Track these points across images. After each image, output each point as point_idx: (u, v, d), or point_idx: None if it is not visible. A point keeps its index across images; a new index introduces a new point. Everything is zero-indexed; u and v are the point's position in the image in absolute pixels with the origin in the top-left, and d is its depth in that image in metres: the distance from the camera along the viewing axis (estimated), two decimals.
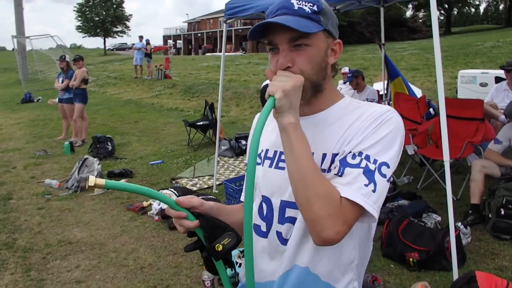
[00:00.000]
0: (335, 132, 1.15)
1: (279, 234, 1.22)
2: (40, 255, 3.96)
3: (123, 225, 4.57)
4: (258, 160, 1.29)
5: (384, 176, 1.06)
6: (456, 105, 5.08)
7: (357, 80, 6.73)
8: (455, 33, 37.30)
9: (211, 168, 6.26)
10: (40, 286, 3.44)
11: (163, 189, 5.13)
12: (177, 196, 4.38)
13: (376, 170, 1.05)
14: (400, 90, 6.29)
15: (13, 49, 26.37)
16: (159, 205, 4.72)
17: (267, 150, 1.30)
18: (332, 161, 1.13)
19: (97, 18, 54.95)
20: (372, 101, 6.52)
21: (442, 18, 46.75)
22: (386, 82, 6.90)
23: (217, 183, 5.57)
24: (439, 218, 4.06)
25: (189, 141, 7.87)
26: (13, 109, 14.18)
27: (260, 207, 1.29)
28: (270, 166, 1.26)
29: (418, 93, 7.45)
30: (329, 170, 1.13)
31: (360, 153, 1.07)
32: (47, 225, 4.64)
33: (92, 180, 1.04)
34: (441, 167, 5.26)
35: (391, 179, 1.10)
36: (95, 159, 6.24)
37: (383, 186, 1.06)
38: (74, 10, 55.65)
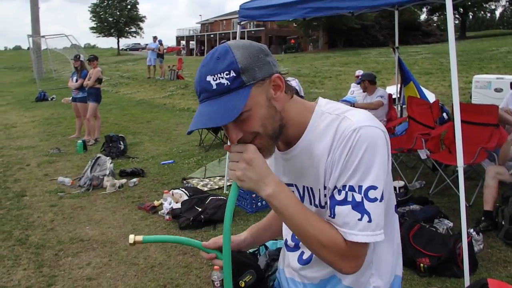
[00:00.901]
0: (319, 163, 1.14)
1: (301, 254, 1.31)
2: (53, 251, 4.01)
3: (134, 223, 4.61)
4: None
5: (374, 200, 1.06)
6: (470, 110, 5.03)
7: (364, 84, 6.73)
8: (470, 38, 36.92)
9: (222, 168, 6.28)
10: (52, 283, 3.48)
11: (174, 189, 5.16)
12: (188, 196, 4.44)
13: (364, 199, 1.05)
14: (414, 95, 6.26)
15: (28, 48, 26.70)
16: (170, 204, 4.75)
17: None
18: (324, 195, 1.16)
19: (111, 19, 55.42)
20: (381, 97, 6.50)
21: (457, 22, 46.29)
22: (399, 85, 6.87)
23: (228, 184, 5.58)
24: (451, 224, 4.02)
25: (200, 142, 7.90)
26: (27, 107, 14.37)
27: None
28: None
29: (431, 97, 7.40)
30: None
31: (344, 186, 1.07)
32: (59, 222, 4.70)
33: (132, 238, 1.24)
34: (454, 172, 5.22)
35: (383, 196, 1.08)
36: (108, 158, 6.29)
37: (377, 210, 1.06)
38: (88, 10, 56.25)
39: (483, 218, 4.08)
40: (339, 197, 1.08)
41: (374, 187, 1.05)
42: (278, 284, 1.45)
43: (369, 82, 6.66)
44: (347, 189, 1.06)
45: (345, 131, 1.08)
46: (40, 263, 3.80)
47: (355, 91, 8.93)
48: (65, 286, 3.43)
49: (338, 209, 1.07)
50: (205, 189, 5.56)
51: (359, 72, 9.75)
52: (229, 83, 1.04)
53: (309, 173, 1.17)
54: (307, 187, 1.21)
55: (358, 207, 1.05)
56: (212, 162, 6.82)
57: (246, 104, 1.05)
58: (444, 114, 7.34)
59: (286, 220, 1.11)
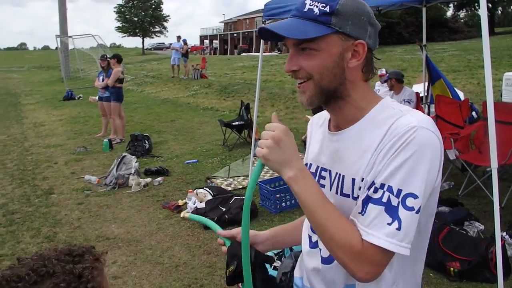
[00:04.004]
0: (364, 153, 1.07)
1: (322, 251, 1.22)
2: None
3: (158, 222, 4.63)
4: None
5: (410, 209, 0.97)
6: (502, 109, 4.87)
7: (391, 82, 6.58)
8: (499, 34, 35.87)
9: (245, 168, 6.26)
10: None
11: (198, 188, 5.17)
12: (212, 196, 4.46)
13: (400, 205, 0.98)
14: (442, 93, 6.10)
15: (56, 48, 27.29)
16: (194, 204, 4.76)
17: (310, 165, 1.27)
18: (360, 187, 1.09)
19: (136, 19, 56.17)
20: (409, 102, 6.35)
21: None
22: (426, 84, 6.71)
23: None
24: (482, 227, 3.90)
25: (224, 141, 7.90)
26: (55, 106, 14.67)
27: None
28: None
29: (461, 95, 7.20)
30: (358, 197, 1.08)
31: (382, 185, 1.00)
32: (86, 220, 4.77)
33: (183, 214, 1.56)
34: (484, 173, 5.07)
35: (420, 210, 0.99)
36: (133, 156, 6.36)
37: (410, 220, 0.98)
38: (114, 11, 57.13)
39: None
40: (374, 195, 1.00)
41: (414, 196, 0.98)
42: None
43: (396, 81, 6.53)
44: (385, 189, 0.99)
45: (402, 126, 1.01)
46: None
47: (380, 90, 8.76)
48: None
49: (370, 207, 1.00)
50: (229, 188, 5.56)
51: (382, 71, 9.54)
52: (318, 14, 1.05)
53: (350, 160, 1.11)
54: (340, 174, 1.14)
55: (391, 210, 0.98)
56: (236, 161, 6.82)
57: (318, 43, 1.05)
58: (474, 113, 7.15)
59: (304, 207, 1.06)
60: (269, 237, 1.41)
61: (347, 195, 1.11)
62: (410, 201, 0.98)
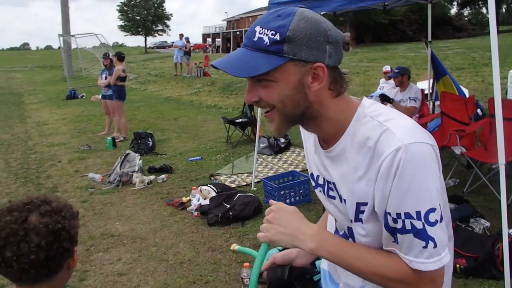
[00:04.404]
0: (354, 177, 1.05)
1: None
2: (84, 247, 4.06)
3: (163, 220, 4.63)
4: (313, 183, 1.29)
5: (435, 223, 0.97)
6: (508, 107, 4.83)
7: (402, 78, 6.47)
8: (503, 32, 35.69)
9: (249, 165, 6.25)
10: (83, 278, 3.52)
11: (202, 185, 5.16)
12: (216, 193, 4.44)
13: (425, 225, 0.96)
14: (448, 89, 6.06)
15: (59, 48, 27.32)
16: (198, 201, 4.75)
17: (317, 176, 1.25)
18: (362, 211, 1.07)
19: (138, 17, 56.18)
20: (415, 100, 6.28)
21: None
22: (431, 81, 6.68)
23: (256, 180, 5.55)
24: (487, 224, 3.87)
25: (227, 138, 7.89)
26: (58, 105, 14.69)
27: (336, 231, 1.30)
28: (324, 193, 1.24)
29: (466, 93, 7.17)
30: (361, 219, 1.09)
31: (398, 215, 0.98)
32: (90, 218, 4.76)
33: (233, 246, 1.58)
34: (489, 170, 5.04)
35: (443, 215, 0.99)
36: (137, 154, 6.35)
37: (440, 232, 0.98)
38: (116, 10, 57.18)
39: None
40: (396, 225, 0.99)
41: (433, 210, 0.97)
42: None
43: (408, 77, 6.38)
44: (403, 217, 0.97)
45: (386, 150, 0.97)
46: None
47: (384, 87, 8.73)
48: (96, 281, 3.47)
49: (400, 237, 0.99)
50: (233, 185, 5.55)
51: (387, 68, 9.49)
52: (268, 44, 0.98)
53: (347, 184, 1.09)
54: (342, 197, 1.14)
55: (420, 234, 0.97)
56: (239, 158, 6.81)
57: (273, 74, 0.99)
58: (479, 110, 7.11)
59: (339, 264, 1.08)
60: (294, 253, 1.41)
61: (359, 219, 1.11)
62: (432, 216, 0.97)
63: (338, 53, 1.05)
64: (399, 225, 0.98)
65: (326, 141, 1.14)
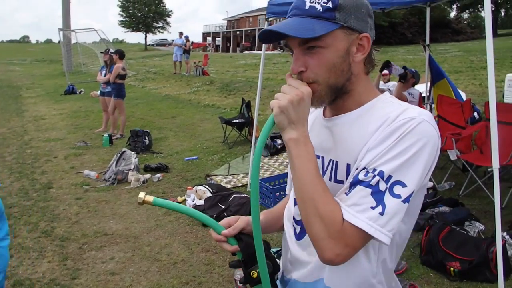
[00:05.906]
0: (360, 139, 1.06)
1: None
2: (77, 244, 4.04)
3: (157, 219, 4.61)
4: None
5: (397, 196, 0.96)
6: (504, 110, 4.84)
7: (410, 80, 6.22)
8: (501, 35, 35.78)
9: (245, 166, 6.23)
10: (75, 276, 3.50)
11: (197, 185, 5.15)
12: (211, 193, 4.35)
13: (387, 191, 0.96)
14: (445, 93, 6.05)
15: (59, 42, 27.21)
16: (193, 201, 4.73)
17: (322, 158, 1.22)
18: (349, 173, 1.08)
19: (139, 14, 56.12)
20: (412, 96, 6.24)
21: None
22: (429, 84, 6.67)
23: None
24: (482, 227, 3.88)
25: (224, 139, 7.87)
26: (56, 100, 14.64)
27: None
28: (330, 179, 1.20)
29: (463, 96, 7.17)
30: None
31: (374, 170, 0.98)
32: (84, 215, 4.74)
33: (142, 195, 1.16)
34: (485, 173, 5.05)
35: (409, 201, 0.98)
36: (133, 152, 6.34)
37: (395, 207, 0.96)
38: (117, 5, 57.09)
39: None
40: (364, 178, 0.98)
41: (403, 184, 0.96)
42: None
43: (415, 82, 6.16)
44: (376, 173, 0.97)
45: (402, 116, 1.01)
46: (64, 255, 3.83)
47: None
48: (88, 280, 3.45)
49: (357, 188, 0.99)
50: (229, 186, 5.53)
51: (385, 71, 9.42)
52: (321, 10, 1.03)
53: (344, 146, 1.10)
54: (333, 161, 1.12)
55: (377, 194, 0.96)
56: (236, 159, 6.79)
57: (324, 40, 1.03)
58: (475, 114, 7.11)
59: (295, 172, 1.03)
60: (261, 221, 1.31)
61: (341, 182, 1.10)
62: (398, 189, 0.97)
63: (374, 29, 1.11)
64: (367, 178, 0.98)
65: (336, 113, 1.15)
